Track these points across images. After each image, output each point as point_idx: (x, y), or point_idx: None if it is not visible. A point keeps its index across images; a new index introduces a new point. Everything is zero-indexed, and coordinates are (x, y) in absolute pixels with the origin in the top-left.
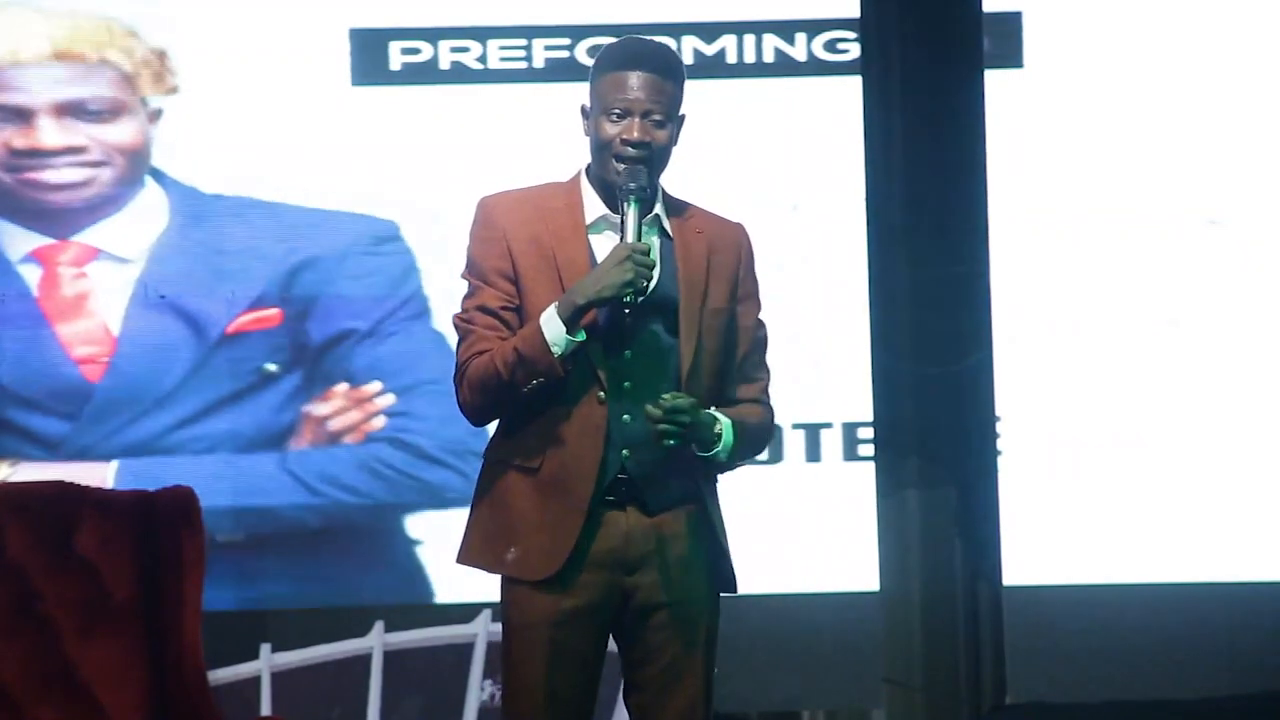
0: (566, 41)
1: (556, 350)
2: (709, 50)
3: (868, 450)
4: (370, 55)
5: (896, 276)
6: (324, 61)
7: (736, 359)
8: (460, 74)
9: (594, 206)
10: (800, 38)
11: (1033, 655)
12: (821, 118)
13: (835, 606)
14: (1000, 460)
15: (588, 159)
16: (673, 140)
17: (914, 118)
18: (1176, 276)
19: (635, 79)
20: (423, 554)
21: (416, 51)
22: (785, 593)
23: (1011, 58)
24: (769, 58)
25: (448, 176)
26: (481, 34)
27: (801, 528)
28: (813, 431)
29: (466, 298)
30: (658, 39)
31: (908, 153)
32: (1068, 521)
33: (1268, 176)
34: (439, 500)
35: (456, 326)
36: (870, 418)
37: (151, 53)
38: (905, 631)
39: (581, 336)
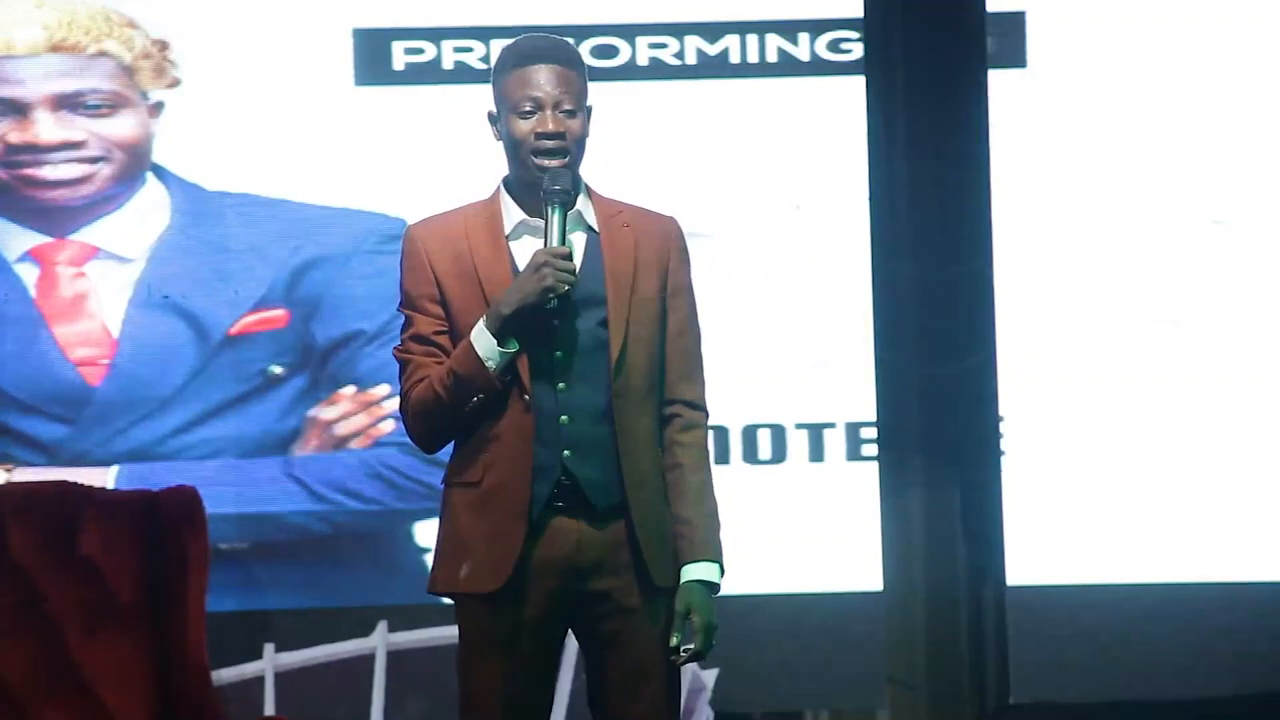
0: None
1: (490, 364)
2: (712, 50)
3: (871, 450)
4: (373, 55)
5: (900, 276)
6: (327, 62)
7: (668, 354)
8: (463, 74)
9: (512, 214)
10: (804, 38)
11: (1036, 655)
12: (825, 118)
13: (838, 606)
14: (1004, 460)
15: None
16: (585, 131)
17: (917, 118)
18: (1180, 276)
19: (541, 73)
20: (432, 561)
21: (420, 51)
22: (788, 593)
23: (1015, 57)
24: (772, 58)
25: (450, 177)
26: (484, 34)
27: (805, 528)
28: (816, 431)
29: (403, 330)
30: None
31: (911, 153)
32: (1071, 521)
33: (1271, 176)
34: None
35: (396, 359)
36: (874, 418)
37: (152, 44)
38: (909, 632)
39: (514, 347)
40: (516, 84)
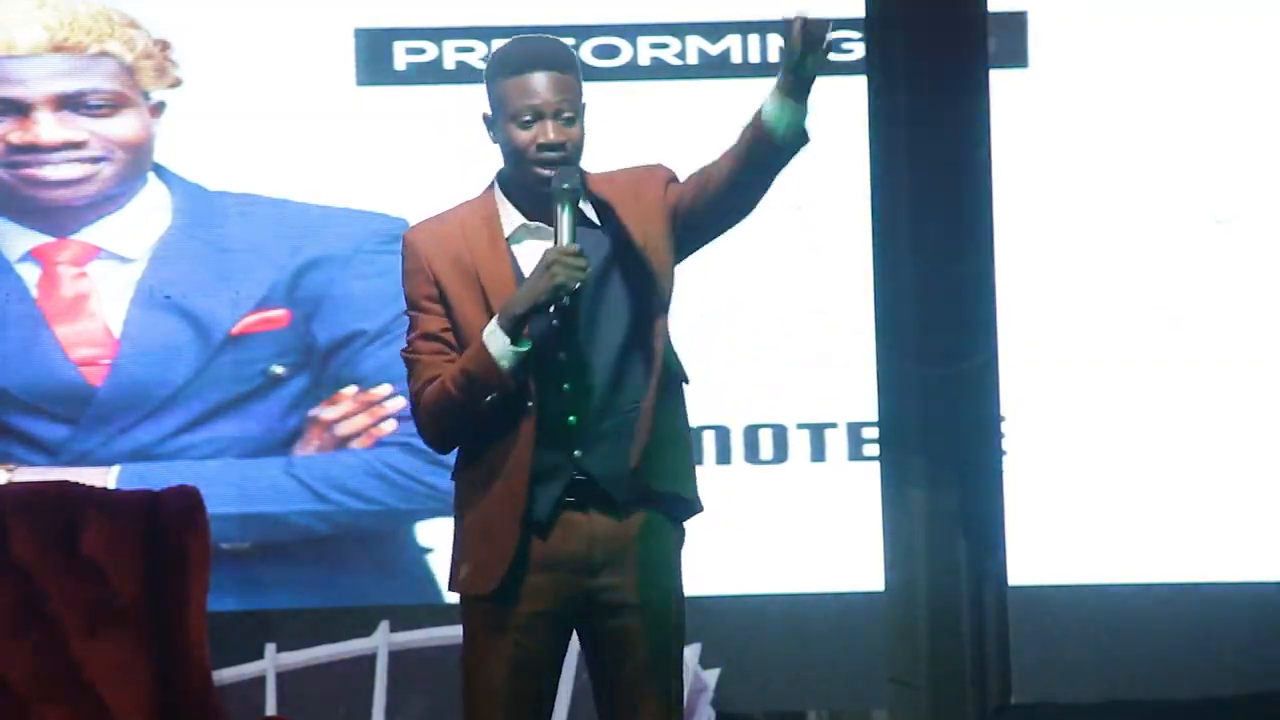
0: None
1: (504, 364)
2: (713, 50)
3: (873, 450)
4: (375, 55)
5: (901, 276)
6: (328, 61)
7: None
8: (465, 74)
9: (512, 218)
10: None
11: (1037, 655)
12: (826, 118)
13: (840, 606)
14: (1005, 460)
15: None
16: (584, 133)
17: (919, 117)
18: (1182, 275)
19: (539, 80)
20: (434, 561)
21: (421, 51)
22: (790, 592)
23: (1016, 57)
24: (773, 58)
25: (451, 177)
26: (485, 34)
27: (806, 528)
28: (817, 431)
29: (409, 331)
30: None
31: (912, 152)
32: (1072, 521)
33: (1274, 175)
34: (452, 507)
35: (404, 361)
36: (875, 418)
37: (154, 44)
38: (910, 631)
39: (526, 346)
40: (514, 92)
